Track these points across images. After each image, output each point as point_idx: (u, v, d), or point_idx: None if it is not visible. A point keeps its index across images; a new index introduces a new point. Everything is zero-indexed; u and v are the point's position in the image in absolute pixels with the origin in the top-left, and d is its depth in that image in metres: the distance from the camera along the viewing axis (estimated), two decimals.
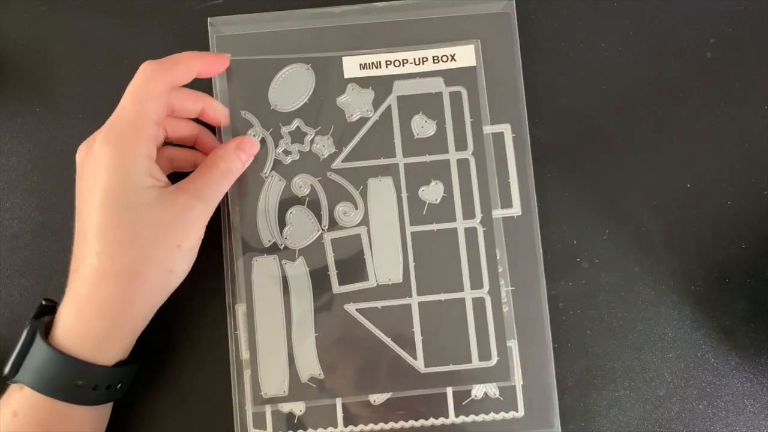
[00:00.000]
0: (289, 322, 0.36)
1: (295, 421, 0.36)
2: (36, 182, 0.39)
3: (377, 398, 0.36)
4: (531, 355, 0.36)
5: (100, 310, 0.31)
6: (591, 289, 0.38)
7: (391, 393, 0.36)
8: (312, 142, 0.37)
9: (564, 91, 0.39)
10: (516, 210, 0.37)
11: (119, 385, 0.33)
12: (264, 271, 0.36)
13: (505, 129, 0.38)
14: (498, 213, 0.37)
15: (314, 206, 0.37)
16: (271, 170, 0.37)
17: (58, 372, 0.30)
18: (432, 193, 0.37)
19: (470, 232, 0.37)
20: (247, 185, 0.37)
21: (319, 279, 0.36)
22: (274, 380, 0.36)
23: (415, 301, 0.36)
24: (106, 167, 0.31)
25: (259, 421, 0.36)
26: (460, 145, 0.37)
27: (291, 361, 0.36)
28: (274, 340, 0.36)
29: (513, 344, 0.36)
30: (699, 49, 0.39)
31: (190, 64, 0.33)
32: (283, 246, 0.37)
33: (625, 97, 0.39)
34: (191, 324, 0.37)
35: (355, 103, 0.37)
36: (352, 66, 0.37)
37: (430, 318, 0.36)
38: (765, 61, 0.39)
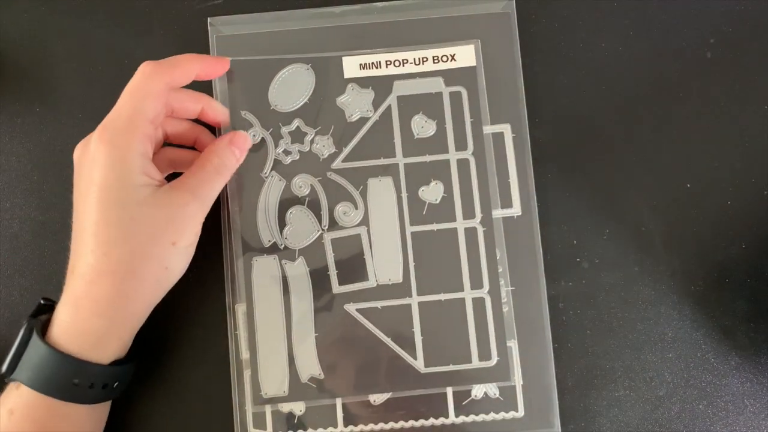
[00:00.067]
0: (289, 322, 0.36)
1: (295, 421, 0.36)
2: (36, 182, 0.39)
3: (377, 398, 0.36)
4: (531, 355, 0.36)
5: (96, 307, 0.31)
6: (591, 289, 0.38)
7: (391, 393, 0.36)
8: (312, 142, 0.37)
9: (564, 91, 0.39)
10: (516, 210, 0.37)
11: (116, 384, 0.33)
12: (264, 271, 0.36)
13: (505, 129, 0.38)
14: (498, 213, 0.37)
15: (314, 206, 0.37)
16: (271, 170, 0.37)
17: (55, 370, 0.30)
18: (432, 193, 0.37)
19: (470, 232, 0.37)
20: (247, 185, 0.37)
21: (319, 279, 0.36)
22: (274, 380, 0.36)
23: (415, 301, 0.36)
24: (102, 165, 0.31)
25: (259, 421, 0.36)
26: (460, 145, 0.37)
27: (291, 361, 0.36)
28: (274, 340, 0.36)
29: (513, 344, 0.36)
30: (699, 49, 0.39)
31: (189, 66, 0.33)
32: (283, 246, 0.37)
33: (625, 97, 0.39)
34: (191, 324, 0.37)
35: (355, 103, 0.37)
36: (352, 66, 0.37)
37: (430, 318, 0.36)
38: (765, 61, 0.39)
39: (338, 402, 0.36)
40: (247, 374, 0.36)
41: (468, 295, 0.36)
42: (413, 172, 0.37)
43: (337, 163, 0.37)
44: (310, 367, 0.36)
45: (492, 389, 0.36)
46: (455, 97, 0.37)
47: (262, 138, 0.37)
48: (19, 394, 0.31)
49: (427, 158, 0.37)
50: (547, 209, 0.38)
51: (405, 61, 0.37)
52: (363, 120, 0.37)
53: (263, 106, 0.37)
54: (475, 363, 0.36)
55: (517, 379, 0.36)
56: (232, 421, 0.36)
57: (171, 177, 0.36)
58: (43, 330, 0.31)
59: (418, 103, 0.37)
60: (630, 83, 0.39)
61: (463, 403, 0.36)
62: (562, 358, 0.37)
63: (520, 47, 0.38)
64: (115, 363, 0.32)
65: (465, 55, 0.38)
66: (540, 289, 0.37)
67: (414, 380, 0.36)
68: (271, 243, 0.37)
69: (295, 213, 0.37)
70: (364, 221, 0.37)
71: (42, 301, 0.33)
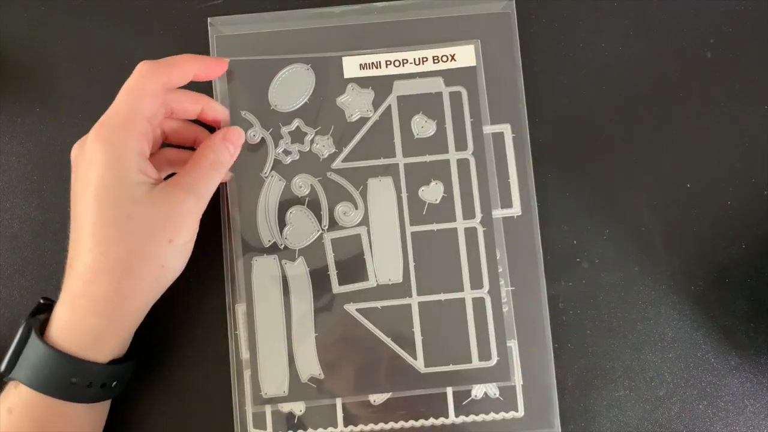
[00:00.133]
0: (289, 322, 0.36)
1: (295, 421, 0.36)
2: (36, 182, 0.39)
3: (377, 398, 0.36)
4: (531, 355, 0.36)
5: (93, 306, 0.31)
6: (591, 289, 0.38)
7: (391, 393, 0.36)
8: (312, 142, 0.37)
9: (564, 91, 0.39)
10: (516, 210, 0.37)
11: (114, 384, 0.33)
12: (264, 271, 0.36)
13: (505, 129, 0.38)
14: (498, 213, 0.37)
15: (314, 206, 0.37)
16: (271, 170, 0.37)
17: (53, 369, 0.30)
18: (432, 193, 0.37)
19: (470, 232, 0.37)
20: (247, 185, 0.37)
21: (319, 279, 0.36)
22: (274, 380, 0.36)
23: (415, 301, 0.36)
24: (98, 164, 0.31)
25: (259, 421, 0.36)
26: (460, 145, 0.37)
27: (291, 361, 0.36)
28: (274, 340, 0.36)
29: (513, 344, 0.36)
30: (699, 49, 0.39)
31: (187, 66, 0.33)
32: (283, 246, 0.37)
33: (625, 97, 0.39)
34: (191, 323, 0.37)
35: (355, 103, 0.37)
36: (352, 66, 0.37)
37: (430, 318, 0.36)
38: (765, 61, 0.39)
39: (338, 402, 0.36)
40: (247, 374, 0.36)
41: (468, 295, 0.36)
42: (413, 172, 0.37)
43: (337, 163, 0.37)
44: (310, 367, 0.36)
45: (492, 389, 0.36)
46: (455, 97, 0.37)
47: (262, 138, 0.37)
48: (17, 393, 0.31)
49: (427, 158, 0.37)
50: (547, 209, 0.38)
51: (405, 61, 0.37)
52: (363, 120, 0.37)
53: (263, 106, 0.37)
54: (475, 363, 0.36)
55: (517, 379, 0.36)
56: (232, 421, 0.36)
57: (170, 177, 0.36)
58: (42, 329, 0.32)
59: (418, 103, 0.37)
60: (630, 83, 0.39)
61: (463, 403, 0.36)
62: (562, 358, 0.37)
63: (520, 47, 0.38)
64: (114, 362, 0.32)
65: (465, 55, 0.38)
66: (540, 289, 0.37)
67: (414, 380, 0.36)
68: (271, 243, 0.37)
69: (295, 213, 0.37)
70: (364, 221, 0.37)
71: (41, 301, 0.33)
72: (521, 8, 0.38)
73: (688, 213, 0.38)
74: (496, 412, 0.36)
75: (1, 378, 0.31)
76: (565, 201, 0.38)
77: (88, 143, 0.31)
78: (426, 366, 0.36)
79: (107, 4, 0.40)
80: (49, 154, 0.39)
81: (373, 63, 0.37)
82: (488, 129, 0.37)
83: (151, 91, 0.32)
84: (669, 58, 0.39)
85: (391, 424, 0.36)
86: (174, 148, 0.37)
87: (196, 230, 0.33)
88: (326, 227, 0.37)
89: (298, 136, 0.37)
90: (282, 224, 0.37)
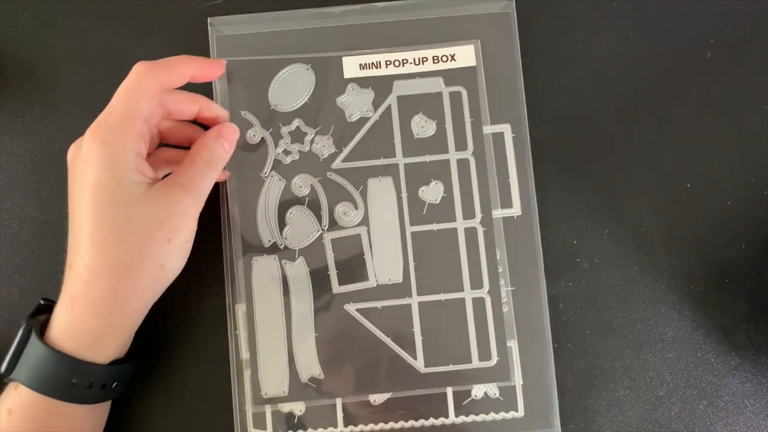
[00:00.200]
0: (289, 322, 0.36)
1: (295, 421, 0.36)
2: (36, 182, 0.39)
3: (377, 398, 0.36)
4: (531, 355, 0.36)
5: (93, 307, 0.31)
6: (591, 289, 0.38)
7: (391, 393, 0.36)
8: (312, 142, 0.37)
9: (564, 91, 0.39)
10: (516, 210, 0.37)
11: (114, 384, 0.33)
12: (264, 271, 0.36)
13: (505, 129, 0.38)
14: (498, 213, 0.37)
15: (314, 206, 0.37)
16: (271, 170, 0.37)
17: (53, 370, 0.30)
18: (432, 193, 0.37)
19: (470, 232, 0.37)
20: (247, 185, 0.37)
21: (319, 279, 0.36)
22: (274, 380, 0.36)
23: (415, 301, 0.36)
24: (95, 164, 0.31)
25: (259, 421, 0.36)
26: (460, 145, 0.37)
27: (291, 361, 0.36)
28: (274, 340, 0.36)
29: (513, 344, 0.36)
30: (699, 49, 0.39)
31: (184, 67, 0.33)
32: (283, 246, 0.37)
33: (625, 97, 0.39)
34: (191, 324, 0.37)
35: (355, 103, 0.37)
36: (352, 66, 0.37)
37: (430, 318, 0.36)
38: (765, 61, 0.39)
39: (338, 402, 0.36)
40: (247, 374, 0.36)
41: (468, 295, 0.36)
42: (413, 172, 0.37)
43: (337, 163, 0.37)
44: (310, 367, 0.36)
45: (492, 389, 0.36)
46: (455, 97, 0.37)
47: (262, 138, 0.37)
48: (17, 394, 0.31)
49: (427, 158, 0.37)
50: (547, 209, 0.38)
51: (405, 61, 0.37)
52: (363, 120, 0.37)
53: (263, 106, 0.37)
54: (475, 363, 0.36)
55: (517, 379, 0.36)
56: (232, 421, 0.36)
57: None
58: (42, 330, 0.31)
59: (418, 103, 0.37)
60: (630, 83, 0.39)
61: (463, 403, 0.36)
62: (562, 358, 0.37)
63: (520, 47, 0.38)
64: (114, 363, 0.32)
65: (465, 55, 0.38)
66: (540, 289, 0.37)
67: (414, 380, 0.36)
68: (271, 243, 0.37)
69: (295, 213, 0.37)
70: (364, 221, 0.37)
71: (42, 301, 0.33)
72: (521, 8, 0.38)
73: (688, 213, 0.38)
74: (496, 412, 0.36)
75: (1, 379, 0.31)
76: (565, 201, 0.38)
77: (84, 144, 0.31)
78: (426, 366, 0.36)
79: (107, 4, 0.40)
80: (49, 154, 0.39)
81: (373, 63, 0.37)
82: (488, 129, 0.37)
83: (148, 92, 0.32)
84: (669, 58, 0.39)
85: (391, 424, 0.36)
86: (171, 148, 0.37)
87: (195, 229, 0.33)
88: (326, 227, 0.37)
89: (298, 136, 0.37)
90: (282, 224, 0.37)
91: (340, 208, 0.37)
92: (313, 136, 0.37)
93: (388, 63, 0.37)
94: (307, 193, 0.37)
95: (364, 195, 0.37)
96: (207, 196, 0.33)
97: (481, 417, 0.36)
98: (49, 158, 0.39)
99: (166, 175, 0.35)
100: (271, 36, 0.38)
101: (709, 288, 0.38)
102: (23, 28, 0.40)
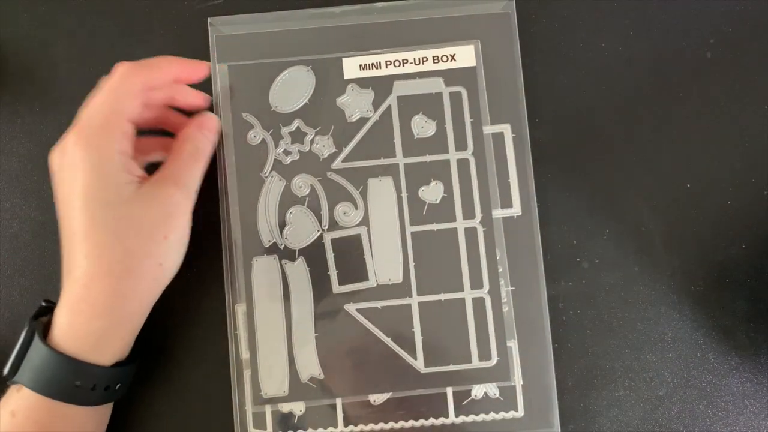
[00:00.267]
0: (289, 322, 0.36)
1: (295, 421, 0.36)
2: (36, 182, 0.39)
3: (377, 398, 0.36)
4: (531, 355, 0.36)
5: (94, 310, 0.31)
6: (591, 289, 0.38)
7: (391, 393, 0.36)
8: (312, 142, 0.37)
9: (564, 91, 0.39)
10: (516, 210, 0.37)
11: (118, 386, 0.33)
12: (264, 271, 0.36)
13: (505, 129, 0.38)
14: (498, 213, 0.37)
15: (314, 206, 0.37)
16: (271, 170, 0.37)
17: (56, 372, 0.30)
18: (432, 193, 0.37)
19: (470, 232, 0.37)
20: (247, 185, 0.37)
21: (319, 279, 0.36)
22: (274, 380, 0.36)
23: (415, 301, 0.36)
24: (83, 169, 0.30)
25: (259, 421, 0.36)
26: (460, 145, 0.37)
27: (291, 361, 0.36)
28: (274, 340, 0.36)
29: (513, 344, 0.36)
30: (699, 49, 0.39)
31: (167, 67, 0.33)
32: (283, 246, 0.37)
33: (625, 97, 0.39)
34: (191, 324, 0.37)
35: (355, 104, 0.37)
36: (352, 67, 0.37)
37: (430, 318, 0.36)
38: (765, 61, 0.39)
39: (338, 402, 0.36)
40: (247, 374, 0.36)
41: (468, 295, 0.36)
42: (413, 172, 0.37)
43: (337, 163, 0.37)
44: (310, 367, 0.36)
45: (492, 389, 0.36)
46: (455, 97, 0.37)
47: (263, 138, 0.37)
48: (20, 396, 0.31)
49: (427, 158, 0.37)
50: (547, 209, 0.38)
51: (405, 62, 0.37)
52: (363, 120, 0.37)
53: (264, 107, 0.37)
54: (475, 363, 0.36)
55: (517, 379, 0.36)
56: (232, 421, 0.36)
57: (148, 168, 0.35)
58: (45, 332, 0.31)
59: (418, 103, 0.37)
60: (630, 83, 0.39)
61: (463, 403, 0.36)
62: (562, 358, 0.37)
63: (520, 47, 0.38)
64: (118, 364, 0.32)
65: (465, 55, 0.38)
66: (540, 289, 0.37)
67: (414, 380, 0.36)
68: (271, 243, 0.37)
69: (295, 213, 0.37)
70: (364, 221, 0.37)
71: (43, 303, 0.33)
72: (521, 8, 0.38)
73: (688, 213, 0.38)
74: (496, 412, 0.36)
75: (4, 381, 0.31)
76: (565, 201, 0.38)
77: (69, 147, 0.31)
78: (426, 366, 0.36)
79: (107, 4, 0.40)
80: (49, 154, 0.39)
81: (373, 63, 0.37)
82: (488, 129, 0.37)
83: (131, 92, 0.32)
84: (669, 58, 0.39)
85: (391, 424, 0.36)
86: (144, 137, 0.36)
87: (189, 224, 0.33)
88: (326, 227, 0.37)
89: (298, 137, 0.37)
90: (282, 224, 0.37)
91: (340, 208, 0.37)
92: (313, 136, 0.37)
93: (388, 63, 0.37)
94: (307, 193, 0.37)
95: (364, 195, 0.37)
96: (198, 189, 0.33)
97: (481, 417, 0.36)
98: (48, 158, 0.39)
99: (152, 168, 0.34)
100: (271, 36, 0.38)
101: (709, 288, 0.38)
102: (23, 28, 0.40)
